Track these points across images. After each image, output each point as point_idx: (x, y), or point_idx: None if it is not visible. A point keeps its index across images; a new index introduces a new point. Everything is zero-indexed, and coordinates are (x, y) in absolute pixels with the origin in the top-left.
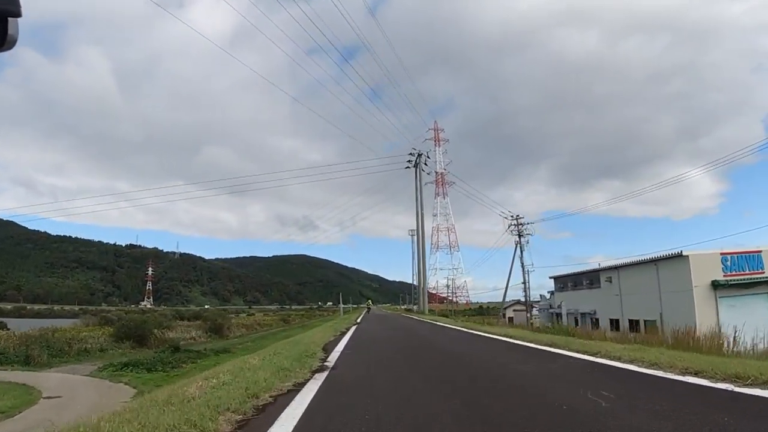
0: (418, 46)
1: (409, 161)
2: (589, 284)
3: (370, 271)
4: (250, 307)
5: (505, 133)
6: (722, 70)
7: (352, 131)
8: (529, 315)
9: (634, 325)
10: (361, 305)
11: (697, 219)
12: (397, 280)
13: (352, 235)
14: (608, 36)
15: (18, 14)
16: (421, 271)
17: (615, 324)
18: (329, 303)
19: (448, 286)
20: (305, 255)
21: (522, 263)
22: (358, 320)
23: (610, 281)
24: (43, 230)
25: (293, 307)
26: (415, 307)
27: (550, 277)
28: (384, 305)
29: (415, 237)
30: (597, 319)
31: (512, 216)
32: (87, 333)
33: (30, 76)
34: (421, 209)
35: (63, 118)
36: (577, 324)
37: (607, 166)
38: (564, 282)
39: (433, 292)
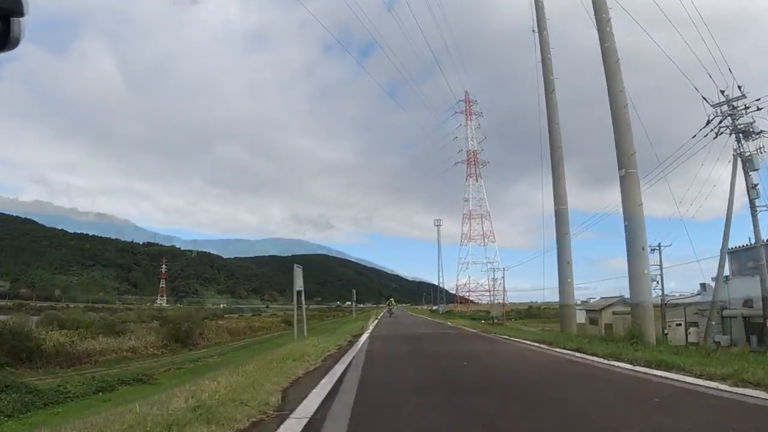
0: (434, 39)
1: None
2: None
3: (389, 270)
4: (267, 306)
5: (524, 130)
6: (751, 66)
7: (370, 131)
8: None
9: None
10: (380, 305)
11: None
12: (417, 279)
13: (372, 234)
14: (635, 26)
15: (21, 14)
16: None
17: None
18: (348, 302)
19: (495, 280)
20: (325, 255)
21: (751, 197)
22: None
23: None
24: (60, 228)
25: (311, 306)
26: (438, 308)
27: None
28: (403, 305)
29: (442, 227)
30: None
31: (725, 95)
32: None
33: (40, 74)
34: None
35: (76, 116)
36: None
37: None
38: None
39: (466, 292)
